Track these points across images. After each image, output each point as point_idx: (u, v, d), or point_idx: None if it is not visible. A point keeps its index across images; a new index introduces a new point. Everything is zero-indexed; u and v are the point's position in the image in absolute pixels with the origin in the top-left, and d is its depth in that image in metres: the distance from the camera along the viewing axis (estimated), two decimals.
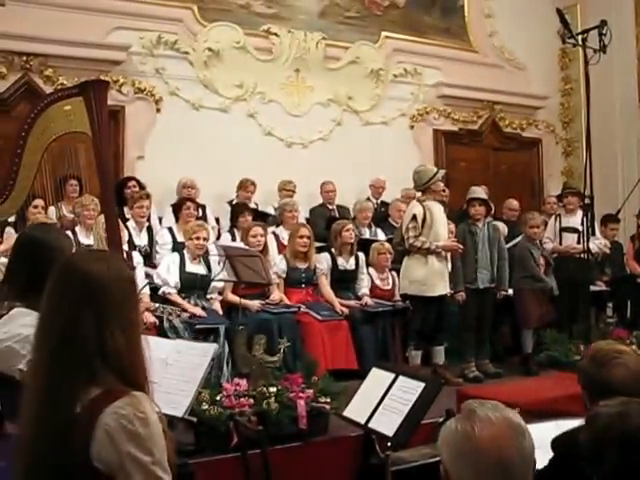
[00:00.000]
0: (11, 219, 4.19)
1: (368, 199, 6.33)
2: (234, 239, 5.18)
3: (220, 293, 4.65)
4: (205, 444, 3.01)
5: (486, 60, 7.73)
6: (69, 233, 4.41)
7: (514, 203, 6.44)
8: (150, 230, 5.13)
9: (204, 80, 6.32)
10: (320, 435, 3.24)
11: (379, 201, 6.52)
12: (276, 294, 4.70)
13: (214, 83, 6.35)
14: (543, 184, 8.11)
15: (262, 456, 2.79)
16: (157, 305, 4.17)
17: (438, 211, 4.70)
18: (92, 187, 4.14)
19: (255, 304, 4.54)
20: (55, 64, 5.62)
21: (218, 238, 5.37)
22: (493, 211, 5.94)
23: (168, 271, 4.45)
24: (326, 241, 5.33)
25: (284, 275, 4.86)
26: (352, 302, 4.94)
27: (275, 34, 6.57)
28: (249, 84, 6.47)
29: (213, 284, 4.56)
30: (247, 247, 4.59)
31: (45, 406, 1.21)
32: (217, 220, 5.82)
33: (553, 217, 6.02)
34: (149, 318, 4.14)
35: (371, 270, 5.17)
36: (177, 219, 5.17)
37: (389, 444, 2.47)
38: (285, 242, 5.14)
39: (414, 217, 4.58)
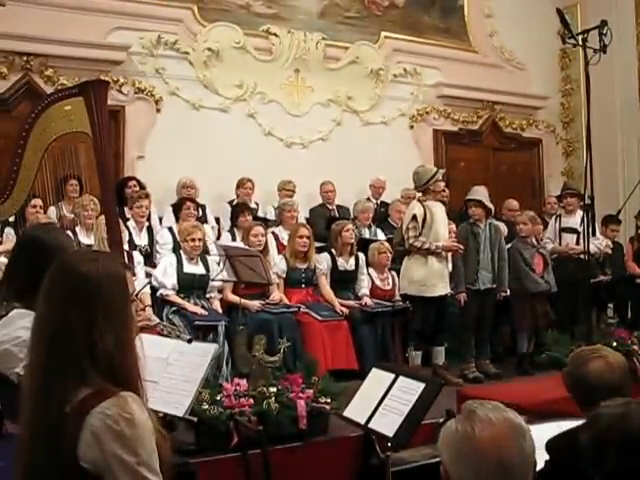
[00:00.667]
0: (10, 219, 4.19)
1: (368, 199, 6.33)
2: (234, 239, 5.18)
3: (220, 291, 4.65)
4: (206, 444, 3.01)
5: (486, 60, 7.73)
6: (69, 233, 4.42)
7: (514, 203, 6.44)
8: (150, 230, 5.13)
9: (204, 80, 6.32)
10: (320, 435, 3.24)
11: (379, 201, 6.52)
12: (276, 294, 4.70)
13: (214, 83, 6.35)
14: (543, 184, 8.11)
15: (262, 456, 2.79)
16: (158, 322, 4.16)
17: (439, 211, 4.69)
18: (92, 187, 4.13)
19: (255, 304, 4.54)
20: (55, 64, 5.63)
21: (218, 238, 5.38)
22: (493, 212, 5.94)
23: (165, 273, 4.45)
24: (326, 241, 5.33)
25: (284, 275, 4.86)
26: (352, 302, 4.94)
27: (275, 34, 6.57)
28: (249, 84, 6.47)
29: (212, 283, 4.56)
30: (247, 247, 4.59)
31: (38, 406, 1.21)
32: (217, 220, 5.83)
33: (553, 217, 6.02)
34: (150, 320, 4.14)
35: (371, 270, 5.17)
36: (177, 219, 5.17)
37: (389, 444, 2.47)
38: (285, 242, 5.14)
39: (414, 217, 4.58)
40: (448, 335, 4.83)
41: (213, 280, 4.53)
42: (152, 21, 6.09)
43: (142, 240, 4.98)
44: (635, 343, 4.58)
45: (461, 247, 4.67)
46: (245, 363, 3.49)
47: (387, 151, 6.85)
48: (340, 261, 5.06)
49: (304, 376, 3.35)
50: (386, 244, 5.20)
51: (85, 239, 4.51)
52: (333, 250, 5.10)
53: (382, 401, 2.55)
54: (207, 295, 4.57)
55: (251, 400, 3.09)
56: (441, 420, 2.37)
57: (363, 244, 5.35)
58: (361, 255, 5.16)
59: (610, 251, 5.73)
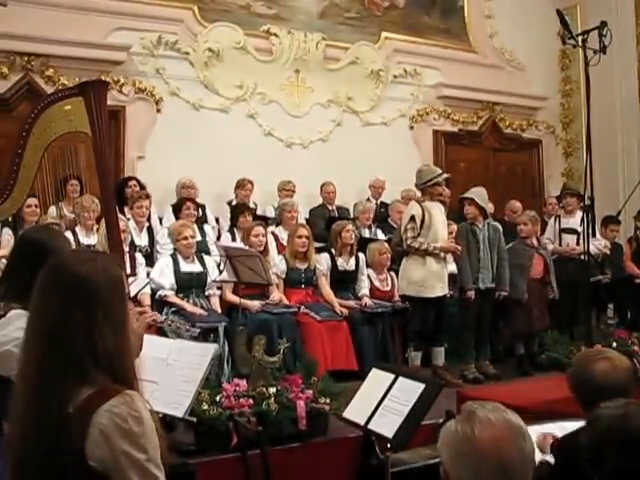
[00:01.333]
0: (9, 218, 4.19)
1: (368, 199, 6.33)
2: (234, 239, 5.18)
3: (219, 288, 4.65)
4: (205, 444, 3.01)
5: (486, 61, 7.73)
6: (69, 233, 4.42)
7: (516, 205, 6.41)
8: (150, 230, 5.13)
9: (204, 80, 6.32)
10: (320, 436, 3.24)
11: (379, 202, 6.52)
12: (276, 294, 4.70)
13: (214, 83, 6.35)
14: (543, 185, 8.11)
15: (262, 456, 2.79)
16: (164, 318, 4.15)
17: (437, 212, 4.69)
18: (92, 187, 4.13)
19: (255, 304, 4.54)
20: (56, 64, 5.63)
21: (218, 238, 5.38)
22: (492, 210, 5.94)
23: (161, 275, 4.44)
24: (326, 241, 5.33)
25: (284, 275, 4.86)
26: (352, 303, 4.93)
27: (275, 35, 6.58)
28: (249, 84, 6.48)
29: (210, 281, 4.55)
30: (247, 247, 4.59)
31: (36, 406, 1.21)
32: (217, 220, 5.83)
33: (553, 218, 6.02)
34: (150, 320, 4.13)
35: (370, 271, 5.17)
36: (177, 219, 5.17)
37: (389, 445, 2.47)
38: (285, 242, 5.14)
39: (412, 218, 4.58)
40: (448, 336, 4.82)
41: (214, 282, 4.53)
42: (153, 21, 6.10)
43: (142, 240, 4.98)
44: (635, 344, 4.58)
45: (459, 248, 4.67)
46: (245, 363, 3.48)
47: (387, 152, 6.85)
48: (340, 261, 5.06)
49: (304, 376, 3.35)
50: (385, 245, 5.20)
51: (85, 239, 4.51)
52: (333, 250, 5.10)
53: (382, 402, 2.55)
54: (206, 293, 4.57)
55: (251, 400, 3.09)
56: (441, 421, 2.37)
57: (363, 244, 5.35)
58: (361, 256, 5.15)
59: (609, 252, 5.72)
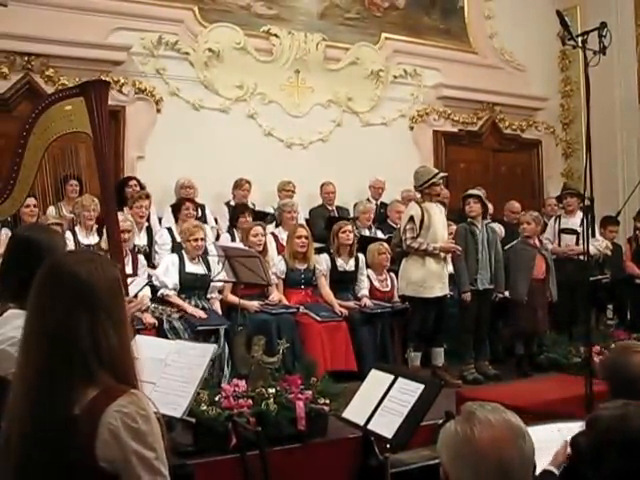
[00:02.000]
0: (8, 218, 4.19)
1: (368, 200, 6.33)
2: (234, 239, 5.18)
3: (220, 292, 4.65)
4: (204, 445, 3.00)
5: (486, 61, 7.73)
6: (69, 233, 4.42)
7: (516, 205, 6.43)
8: (149, 230, 5.13)
9: (204, 81, 6.32)
10: (319, 436, 3.24)
11: (378, 202, 6.53)
12: (275, 295, 4.70)
13: (214, 84, 6.35)
14: (543, 185, 8.11)
15: (261, 457, 2.79)
16: (152, 305, 4.16)
17: (437, 212, 4.69)
18: (92, 187, 4.14)
19: (254, 305, 4.54)
20: (56, 64, 5.63)
21: (217, 238, 5.37)
22: (492, 211, 5.94)
23: (166, 273, 4.44)
24: (325, 242, 5.33)
25: (283, 276, 4.86)
26: (351, 303, 4.93)
27: (275, 35, 6.58)
28: (249, 85, 6.47)
29: (213, 283, 4.55)
30: (247, 248, 4.59)
31: (38, 407, 1.21)
32: (216, 220, 5.82)
33: (553, 218, 6.02)
34: (148, 319, 4.14)
35: (369, 272, 5.17)
36: (176, 219, 5.17)
37: (388, 446, 2.47)
38: (284, 243, 5.14)
39: (411, 218, 4.58)
40: (447, 336, 4.82)
41: (212, 281, 4.53)
42: (153, 22, 6.10)
43: (141, 240, 4.98)
44: None
45: (459, 248, 4.67)
46: (244, 364, 3.48)
47: (387, 152, 6.85)
48: (339, 262, 5.06)
49: (303, 377, 3.35)
50: (385, 245, 5.20)
51: (85, 239, 4.51)
52: (332, 251, 5.10)
53: (381, 402, 2.55)
54: (208, 296, 4.57)
55: (250, 401, 3.09)
56: (440, 421, 2.36)
57: (364, 243, 5.35)
58: (361, 256, 5.15)
59: (610, 252, 5.72)
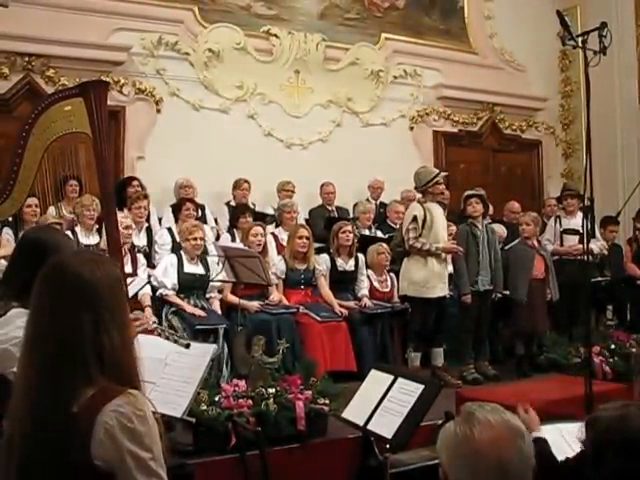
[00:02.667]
0: (9, 218, 4.19)
1: (367, 200, 6.33)
2: (234, 240, 5.18)
3: (220, 292, 4.65)
4: (204, 445, 3.00)
5: (486, 62, 7.74)
6: (69, 233, 4.42)
7: (515, 205, 6.43)
8: (149, 230, 5.13)
9: (204, 81, 6.32)
10: (319, 437, 3.24)
11: (378, 202, 6.53)
12: (275, 295, 4.70)
13: (214, 84, 6.35)
14: (543, 186, 8.11)
15: (260, 457, 2.79)
16: (155, 326, 4.15)
17: (438, 213, 4.69)
18: (92, 187, 4.13)
19: (254, 305, 4.54)
20: (57, 65, 5.63)
21: (218, 239, 5.37)
22: (492, 211, 5.95)
23: (165, 273, 4.44)
24: (325, 242, 5.33)
25: (283, 276, 4.86)
26: (351, 303, 4.93)
27: (275, 35, 6.58)
28: (249, 85, 6.48)
29: (212, 283, 4.55)
30: (247, 248, 4.59)
31: (39, 406, 1.21)
32: (216, 220, 5.83)
33: (553, 219, 6.02)
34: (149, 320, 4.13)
35: (369, 272, 5.17)
36: (177, 220, 5.17)
37: (388, 446, 2.47)
38: (284, 243, 5.14)
39: (414, 218, 4.58)
40: (447, 336, 4.82)
41: (212, 281, 4.53)
42: (153, 22, 6.10)
43: (141, 240, 4.98)
44: (634, 345, 4.58)
45: (460, 249, 4.67)
46: (244, 364, 3.48)
47: (387, 152, 6.86)
48: (339, 262, 5.06)
49: (303, 377, 3.34)
50: (385, 246, 5.20)
51: (85, 239, 4.51)
52: (332, 251, 5.10)
53: (381, 402, 2.55)
54: (207, 295, 4.57)
55: (250, 401, 3.09)
56: (440, 422, 2.37)
57: (365, 243, 5.34)
58: (361, 256, 5.15)
59: (606, 252, 5.71)
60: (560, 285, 5.21)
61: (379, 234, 5.92)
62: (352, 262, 5.10)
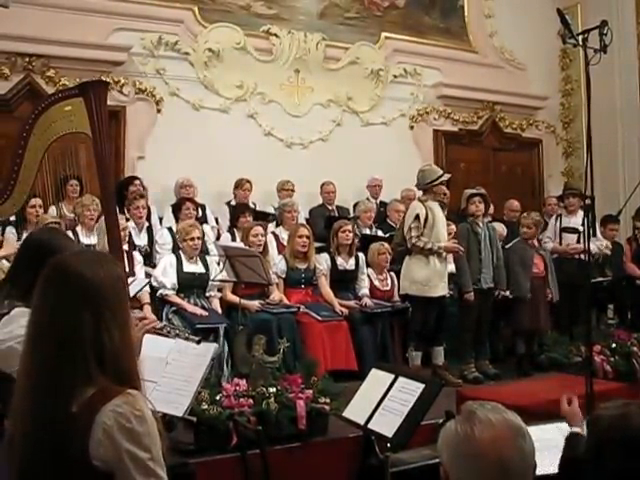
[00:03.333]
0: (11, 218, 4.20)
1: (367, 199, 6.33)
2: (234, 239, 5.18)
3: (220, 290, 4.65)
4: (205, 444, 3.00)
5: (486, 60, 7.73)
6: (70, 233, 4.43)
7: (515, 204, 6.43)
8: (150, 230, 5.13)
9: (204, 81, 6.32)
10: (319, 436, 3.24)
11: (378, 201, 6.52)
12: (276, 294, 4.70)
13: (214, 84, 6.35)
14: (543, 185, 8.11)
15: (261, 456, 2.79)
16: (164, 324, 4.15)
17: (439, 212, 4.69)
18: (92, 187, 4.14)
19: (255, 304, 4.54)
20: (57, 65, 5.64)
21: (218, 238, 5.38)
22: (492, 210, 5.94)
23: (164, 273, 4.44)
24: (325, 241, 5.33)
25: (284, 275, 4.86)
26: (352, 302, 4.93)
27: (275, 35, 6.58)
28: (249, 85, 6.48)
29: (211, 282, 4.55)
30: (247, 247, 4.59)
31: (40, 405, 1.21)
32: (216, 220, 5.83)
33: (554, 217, 6.02)
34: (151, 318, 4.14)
35: (370, 271, 5.17)
36: (177, 219, 5.17)
37: (389, 445, 2.47)
38: (285, 242, 5.14)
39: (417, 217, 4.57)
40: (447, 335, 4.82)
41: (213, 280, 4.53)
42: (153, 22, 6.10)
43: (142, 240, 4.99)
44: (635, 344, 4.57)
45: (461, 249, 4.67)
46: (245, 363, 3.48)
47: (387, 151, 6.85)
48: (340, 261, 5.06)
49: (303, 376, 3.34)
50: (386, 245, 5.20)
51: (85, 239, 4.51)
52: (332, 250, 5.10)
53: (381, 402, 2.55)
54: (207, 294, 4.57)
55: (250, 400, 3.09)
56: (440, 421, 2.37)
57: (366, 242, 5.34)
58: (361, 255, 5.16)
59: (609, 252, 5.71)
60: (561, 285, 5.20)
61: (380, 233, 5.92)
62: (352, 261, 5.10)
